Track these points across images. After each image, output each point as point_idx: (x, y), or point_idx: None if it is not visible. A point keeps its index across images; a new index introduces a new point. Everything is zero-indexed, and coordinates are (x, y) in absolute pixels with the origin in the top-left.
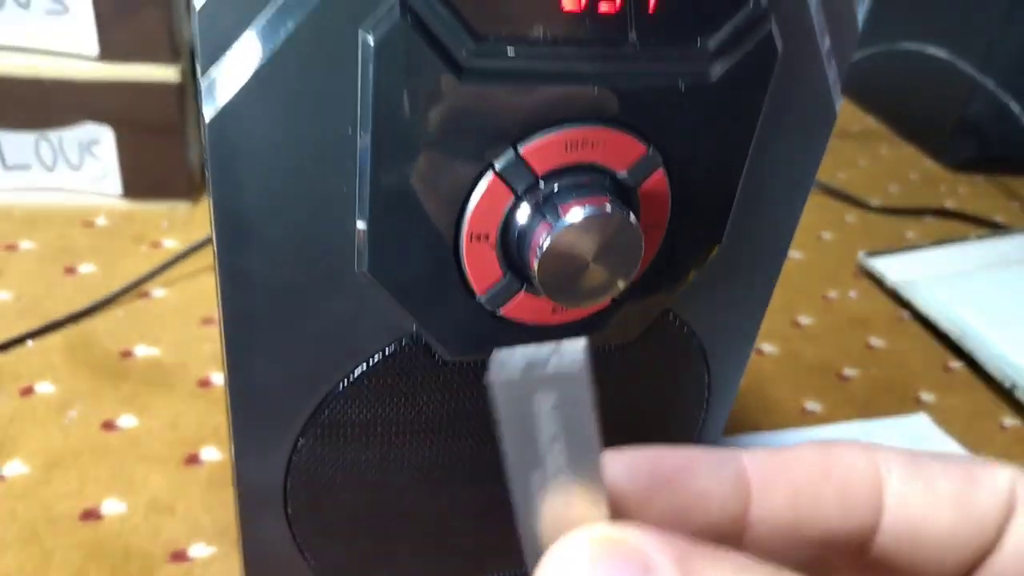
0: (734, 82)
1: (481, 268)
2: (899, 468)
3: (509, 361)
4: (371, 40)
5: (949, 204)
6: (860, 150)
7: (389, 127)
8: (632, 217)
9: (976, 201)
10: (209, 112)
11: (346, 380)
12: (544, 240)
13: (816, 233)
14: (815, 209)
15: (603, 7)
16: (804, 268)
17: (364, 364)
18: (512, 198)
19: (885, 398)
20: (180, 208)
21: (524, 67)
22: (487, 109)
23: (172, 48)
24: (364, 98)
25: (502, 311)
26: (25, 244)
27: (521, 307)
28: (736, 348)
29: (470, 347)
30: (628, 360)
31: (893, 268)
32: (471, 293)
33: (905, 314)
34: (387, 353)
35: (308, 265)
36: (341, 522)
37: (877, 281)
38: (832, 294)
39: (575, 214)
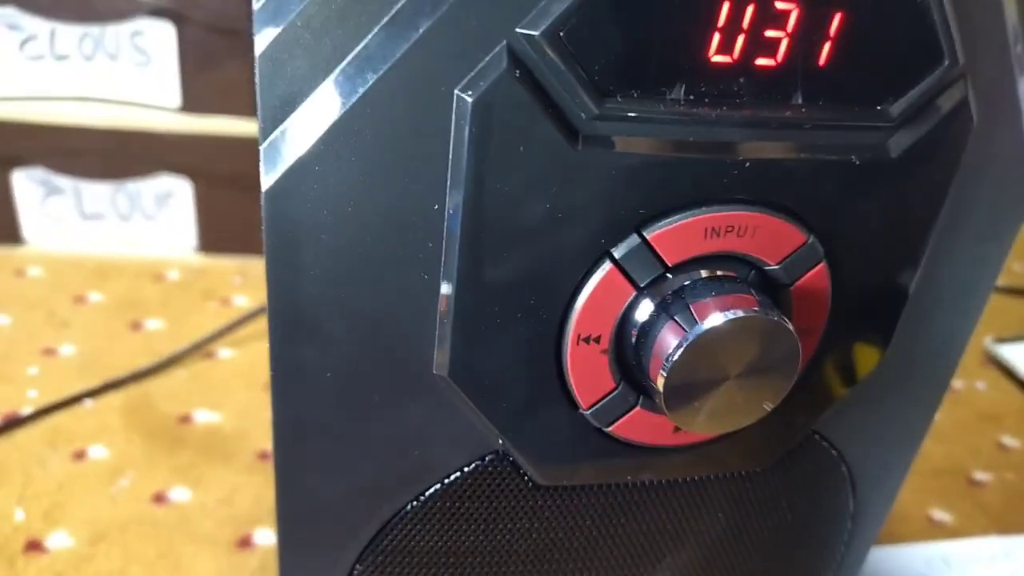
0: (919, 158)
1: (589, 377)
2: None
3: None
4: (468, 98)
5: None
6: None
7: (486, 203)
8: (789, 324)
9: None
10: (268, 180)
11: (416, 501)
12: (675, 349)
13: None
14: None
15: (762, 61)
16: None
17: (438, 483)
18: (633, 293)
19: (1023, 508)
20: (254, 265)
21: (657, 133)
22: (608, 184)
23: (253, 101)
24: (456, 168)
25: (612, 429)
26: (94, 296)
27: (636, 425)
28: (888, 475)
29: (569, 469)
30: (760, 485)
31: (1023, 357)
32: (574, 406)
33: None
34: (466, 471)
35: (376, 365)
36: None
37: (1006, 371)
38: (958, 385)
39: (715, 318)
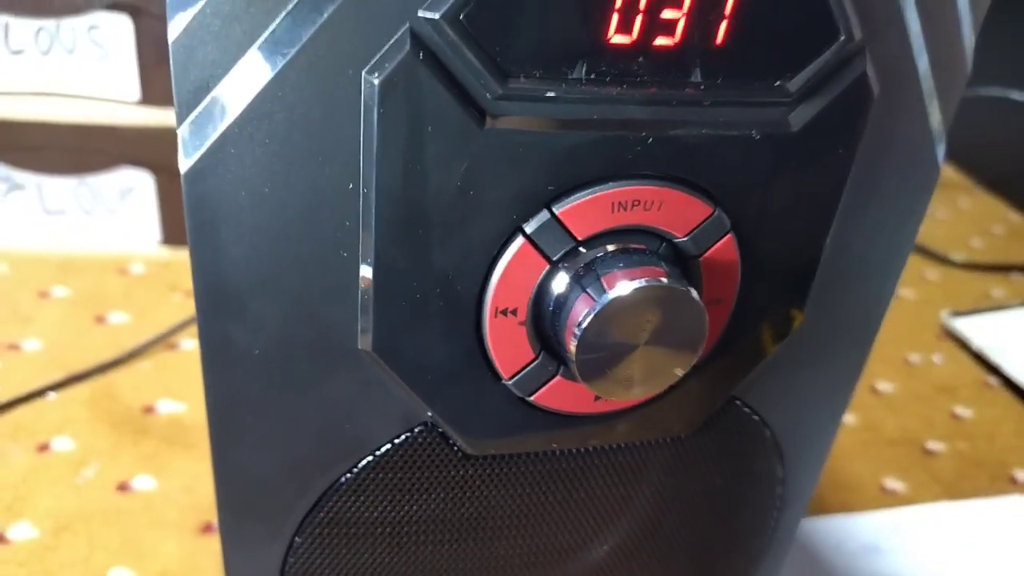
0: (820, 131)
1: (509, 348)
2: None
3: None
4: (375, 80)
5: None
6: (938, 201)
7: (398, 183)
8: (693, 291)
9: None
10: (186, 163)
11: (348, 473)
12: (584, 318)
13: (896, 290)
14: None
15: (660, 40)
16: (883, 328)
17: (370, 456)
18: (546, 267)
19: (975, 476)
20: None
21: (562, 113)
22: (516, 162)
23: None
24: (367, 149)
25: (534, 398)
26: (58, 291)
27: (557, 393)
28: (815, 439)
29: (496, 438)
30: (687, 453)
31: (979, 330)
32: (496, 376)
33: (994, 380)
34: (396, 443)
35: (303, 342)
36: None
37: (962, 344)
38: (914, 358)
39: (623, 287)
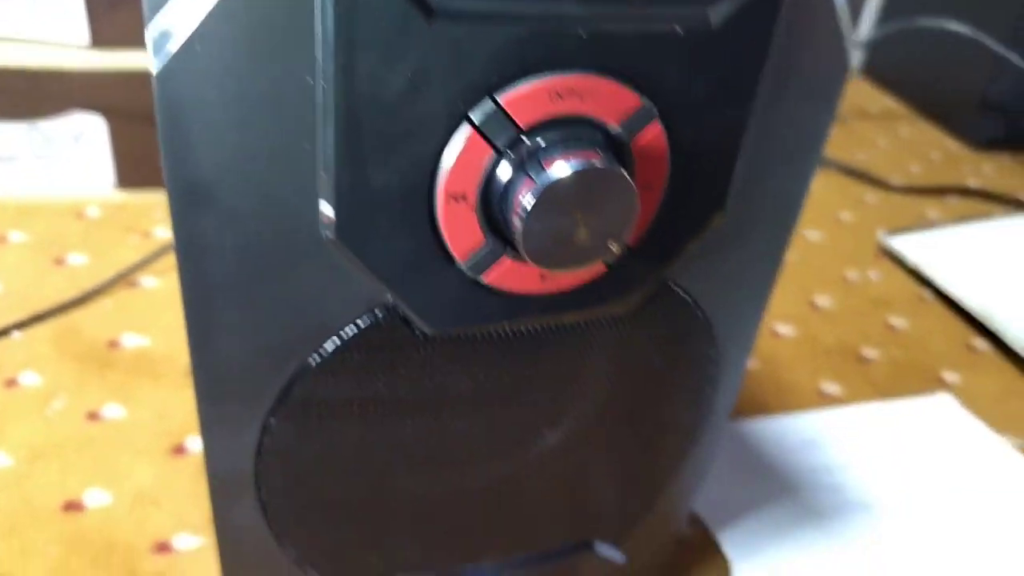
0: (737, 27)
1: (460, 232)
2: None
3: None
4: None
5: (972, 183)
6: (879, 130)
7: (351, 76)
8: (625, 173)
9: (1001, 180)
10: (156, 64)
11: (317, 356)
12: (527, 198)
13: (835, 213)
14: (834, 189)
15: None
16: (822, 249)
17: (336, 338)
18: (492, 154)
19: (907, 379)
20: None
21: (503, 7)
22: (461, 54)
23: None
24: (324, 44)
25: (485, 279)
26: (15, 236)
27: (506, 274)
28: (744, 322)
29: (452, 318)
30: (630, 333)
31: (914, 247)
32: (450, 260)
33: (927, 293)
34: (361, 326)
35: (270, 231)
36: (320, 508)
37: (898, 261)
38: (852, 275)
39: (561, 169)
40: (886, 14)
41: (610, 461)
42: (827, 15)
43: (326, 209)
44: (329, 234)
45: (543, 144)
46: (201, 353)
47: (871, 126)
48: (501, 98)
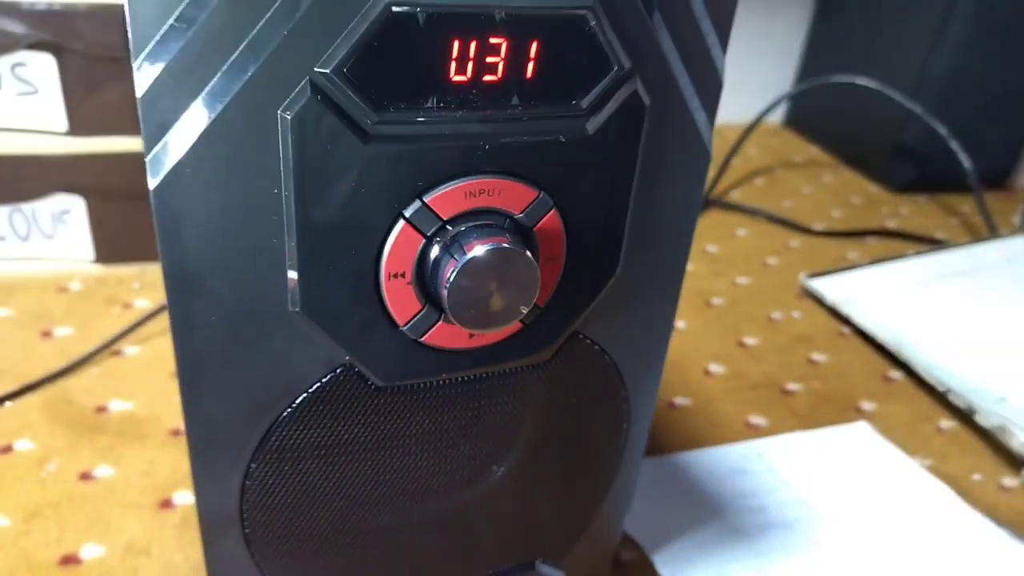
0: (609, 133)
1: (401, 302)
2: None
3: None
4: (288, 116)
5: (891, 224)
6: (804, 178)
7: (310, 187)
8: (528, 252)
9: (917, 220)
10: (154, 183)
11: (289, 408)
12: (451, 274)
13: (762, 259)
14: (761, 236)
15: (487, 78)
16: (750, 292)
17: (304, 393)
18: (423, 240)
19: (827, 409)
20: (150, 270)
21: (422, 131)
22: (394, 167)
23: (137, 121)
24: (287, 164)
25: (425, 339)
26: (3, 312)
27: (441, 334)
28: (648, 364)
29: (399, 372)
30: (551, 378)
31: (833, 287)
32: (395, 325)
33: (846, 329)
34: (324, 382)
35: (247, 309)
36: (296, 540)
37: (818, 300)
38: (776, 315)
39: (477, 250)
40: (806, 72)
41: (548, 489)
42: (684, 118)
43: (292, 288)
44: (296, 308)
45: (462, 231)
46: (193, 411)
47: (797, 175)
48: (428, 199)
